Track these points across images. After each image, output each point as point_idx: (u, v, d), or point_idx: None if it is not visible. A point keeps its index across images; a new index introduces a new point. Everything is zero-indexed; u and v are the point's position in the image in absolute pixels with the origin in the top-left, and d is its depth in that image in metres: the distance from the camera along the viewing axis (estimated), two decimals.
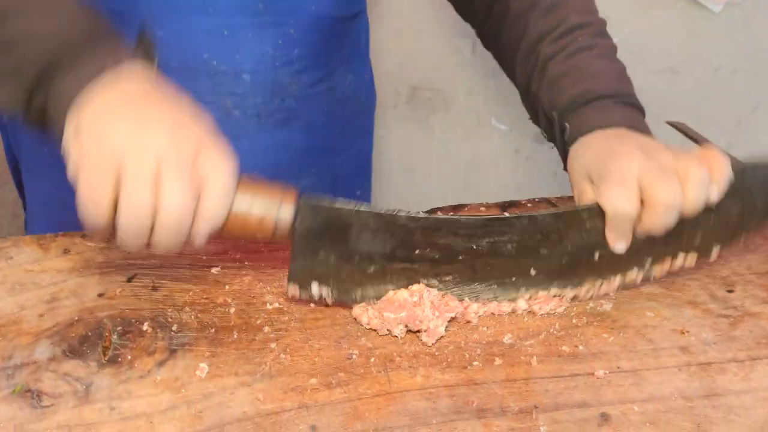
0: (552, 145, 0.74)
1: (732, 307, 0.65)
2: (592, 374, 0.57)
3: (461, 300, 0.62)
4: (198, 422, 0.51)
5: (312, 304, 0.62)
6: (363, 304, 0.61)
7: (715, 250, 0.66)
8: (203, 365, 0.56)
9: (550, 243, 0.62)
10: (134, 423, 0.51)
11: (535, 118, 0.78)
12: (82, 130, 0.53)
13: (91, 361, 0.56)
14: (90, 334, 0.58)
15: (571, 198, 0.68)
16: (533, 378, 0.56)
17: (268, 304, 0.63)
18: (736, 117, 1.46)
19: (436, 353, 0.58)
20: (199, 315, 0.61)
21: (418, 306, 0.59)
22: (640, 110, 0.71)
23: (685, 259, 0.65)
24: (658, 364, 0.58)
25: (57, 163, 0.56)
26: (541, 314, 0.63)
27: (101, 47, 0.56)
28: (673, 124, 0.74)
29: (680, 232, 0.61)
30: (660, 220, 0.60)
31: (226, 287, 0.64)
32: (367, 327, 0.60)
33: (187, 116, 0.55)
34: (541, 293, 0.63)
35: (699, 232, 0.64)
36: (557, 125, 0.71)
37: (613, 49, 0.75)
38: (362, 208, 0.59)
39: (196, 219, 0.53)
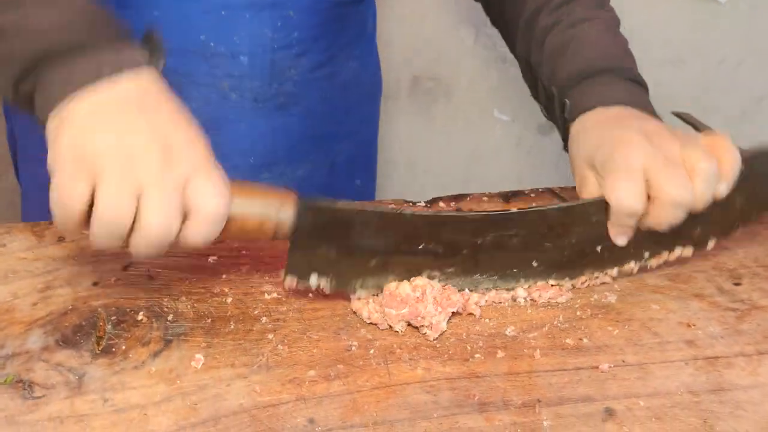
0: (554, 136, 0.73)
1: (739, 300, 0.64)
2: (597, 368, 0.56)
3: (461, 291, 0.61)
4: (193, 414, 0.50)
5: (310, 294, 0.61)
6: (363, 297, 0.60)
7: (712, 241, 0.65)
8: (199, 356, 0.55)
9: (555, 236, 0.61)
10: (128, 415, 0.50)
11: (535, 93, 0.76)
12: (65, 124, 0.51)
13: (84, 351, 0.55)
14: (84, 323, 0.57)
15: (574, 189, 0.67)
16: (536, 371, 0.55)
17: (266, 294, 0.61)
18: (741, 108, 1.46)
19: (438, 345, 0.57)
20: (195, 305, 0.60)
21: (421, 302, 0.58)
22: (644, 86, 0.69)
23: (683, 250, 0.65)
24: (664, 357, 0.57)
25: None
26: (542, 303, 0.62)
27: (102, 47, 0.53)
28: (678, 115, 0.73)
29: (681, 225, 0.60)
30: (667, 216, 0.58)
31: (224, 276, 0.63)
32: (368, 321, 0.59)
33: (182, 136, 0.52)
34: (540, 283, 0.62)
35: (699, 224, 0.63)
36: (557, 101, 0.69)
37: (615, 21, 0.73)
38: (364, 208, 0.57)
39: (180, 238, 0.52)
